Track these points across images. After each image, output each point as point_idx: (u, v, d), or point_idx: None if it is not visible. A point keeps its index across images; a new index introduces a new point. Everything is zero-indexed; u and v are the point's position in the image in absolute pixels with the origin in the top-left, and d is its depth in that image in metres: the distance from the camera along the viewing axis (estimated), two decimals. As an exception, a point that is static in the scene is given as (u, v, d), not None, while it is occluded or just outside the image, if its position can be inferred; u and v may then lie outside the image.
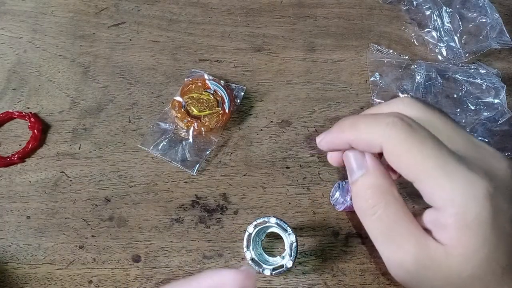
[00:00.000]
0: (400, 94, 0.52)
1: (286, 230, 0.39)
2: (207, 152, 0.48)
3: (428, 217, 0.23)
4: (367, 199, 0.23)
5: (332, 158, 0.28)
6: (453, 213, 0.21)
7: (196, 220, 0.44)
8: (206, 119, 0.49)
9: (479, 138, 0.50)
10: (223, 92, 0.50)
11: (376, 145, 0.23)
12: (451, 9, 0.58)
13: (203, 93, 0.51)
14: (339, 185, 0.44)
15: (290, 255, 0.39)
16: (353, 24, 0.60)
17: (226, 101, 0.50)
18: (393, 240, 0.22)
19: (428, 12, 0.59)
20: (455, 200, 0.21)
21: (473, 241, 0.20)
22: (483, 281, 0.20)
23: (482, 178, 0.20)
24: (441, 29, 0.58)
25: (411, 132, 0.21)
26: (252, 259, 0.40)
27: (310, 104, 0.52)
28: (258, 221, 0.40)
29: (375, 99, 0.52)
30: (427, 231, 0.23)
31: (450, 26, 0.57)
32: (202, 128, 0.48)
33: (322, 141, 0.28)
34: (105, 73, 0.54)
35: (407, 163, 0.22)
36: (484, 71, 0.54)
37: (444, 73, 0.55)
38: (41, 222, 0.44)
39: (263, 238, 0.42)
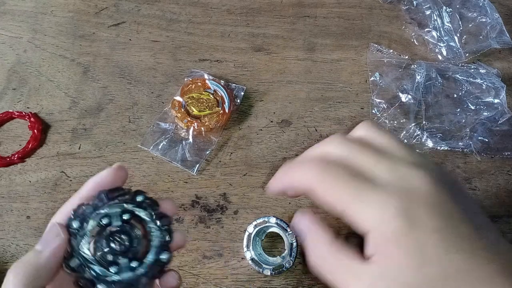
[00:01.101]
0: (400, 94, 0.52)
1: (286, 230, 0.39)
2: (207, 152, 0.48)
3: (366, 246, 0.25)
4: (310, 257, 0.26)
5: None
6: (375, 235, 0.23)
7: (196, 220, 0.44)
8: (206, 119, 0.49)
9: (479, 138, 0.50)
10: (223, 92, 0.50)
11: (302, 190, 0.26)
12: (451, 9, 0.58)
13: (203, 93, 0.51)
14: None
15: (290, 255, 0.39)
16: (353, 24, 0.60)
17: (226, 101, 0.50)
18: (336, 280, 0.24)
19: (428, 12, 0.59)
20: (372, 223, 0.23)
21: (397, 255, 0.22)
22: None
23: (395, 198, 0.23)
24: (441, 29, 0.58)
25: (329, 174, 0.25)
26: (252, 259, 0.40)
27: (310, 104, 0.52)
28: (258, 221, 0.40)
29: (375, 99, 0.52)
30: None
31: (450, 26, 0.57)
32: (202, 128, 0.48)
33: (270, 186, 0.31)
34: (105, 73, 0.54)
35: (327, 202, 0.25)
36: (484, 71, 0.54)
37: (444, 73, 0.55)
38: (41, 222, 0.44)
39: (263, 238, 0.42)
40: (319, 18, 0.60)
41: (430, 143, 0.49)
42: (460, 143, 0.49)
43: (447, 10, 0.58)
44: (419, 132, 0.49)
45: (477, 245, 0.22)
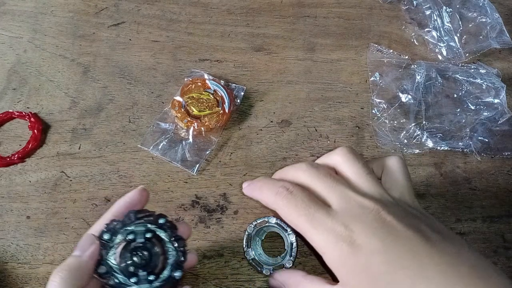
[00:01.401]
0: (400, 94, 0.52)
1: (286, 230, 0.39)
2: (207, 152, 0.48)
3: None
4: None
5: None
6: (327, 259, 0.27)
7: (196, 220, 0.44)
8: (206, 119, 0.49)
9: (479, 138, 0.50)
10: (223, 92, 0.50)
11: (272, 208, 0.31)
12: (451, 9, 0.58)
13: (203, 93, 0.51)
14: None
15: (290, 255, 0.39)
16: (353, 24, 0.60)
17: (226, 101, 0.50)
18: None
19: (428, 12, 0.59)
20: (323, 248, 0.27)
21: (345, 277, 0.26)
22: None
23: (341, 225, 0.26)
24: (441, 29, 0.58)
25: (290, 199, 0.29)
26: (252, 259, 0.40)
27: (310, 104, 0.52)
28: (258, 221, 0.40)
29: (375, 99, 0.52)
30: None
31: (450, 26, 0.57)
32: (202, 128, 0.48)
33: (245, 190, 0.35)
34: (105, 73, 0.54)
35: (289, 223, 0.29)
36: (484, 71, 0.54)
37: (444, 73, 0.55)
38: (41, 222, 0.44)
39: (263, 238, 0.42)
40: (319, 18, 0.60)
41: (430, 143, 0.49)
42: (460, 143, 0.49)
43: (447, 10, 0.58)
44: (419, 132, 0.49)
45: (425, 261, 0.24)
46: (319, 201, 0.28)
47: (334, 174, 0.30)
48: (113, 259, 0.27)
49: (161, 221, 0.29)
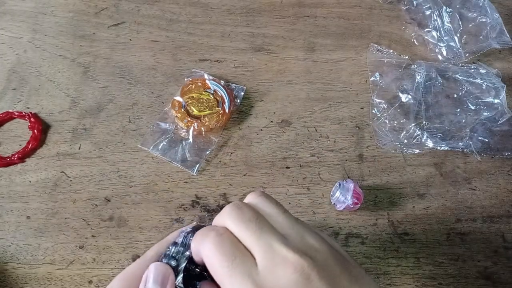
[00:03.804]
0: (400, 94, 0.52)
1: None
2: (207, 152, 0.48)
3: None
4: None
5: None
6: None
7: (196, 220, 0.44)
8: (206, 119, 0.49)
9: (479, 138, 0.50)
10: (223, 92, 0.50)
11: (200, 256, 0.27)
12: (451, 9, 0.58)
13: (203, 93, 0.51)
14: (339, 184, 0.44)
15: None
16: (353, 24, 0.60)
17: (226, 101, 0.50)
18: None
19: (428, 12, 0.59)
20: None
21: None
22: None
23: (299, 256, 0.25)
24: (441, 29, 0.58)
25: (217, 243, 0.26)
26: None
27: (310, 104, 0.52)
28: None
29: (375, 99, 0.52)
30: None
31: (450, 26, 0.57)
32: (202, 128, 0.48)
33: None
34: (105, 73, 0.54)
35: (211, 269, 0.26)
36: (484, 71, 0.54)
37: (444, 73, 0.55)
38: (41, 222, 0.44)
39: None
40: (319, 18, 0.60)
41: (430, 143, 0.49)
42: (460, 143, 0.49)
43: (447, 10, 0.58)
44: (419, 132, 0.49)
45: None
46: (245, 250, 0.26)
47: (259, 215, 0.28)
48: (181, 283, 0.26)
49: None
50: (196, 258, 0.27)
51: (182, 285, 0.26)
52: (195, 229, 0.28)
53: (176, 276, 0.26)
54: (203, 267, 0.27)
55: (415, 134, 0.50)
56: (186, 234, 0.28)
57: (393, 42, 0.58)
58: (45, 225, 0.44)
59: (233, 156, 0.48)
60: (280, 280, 0.24)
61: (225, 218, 0.28)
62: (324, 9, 0.61)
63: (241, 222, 0.27)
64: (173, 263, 0.27)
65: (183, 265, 0.27)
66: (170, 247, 0.27)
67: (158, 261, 0.27)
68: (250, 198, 0.29)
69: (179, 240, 0.27)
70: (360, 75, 0.55)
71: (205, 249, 0.26)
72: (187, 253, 0.27)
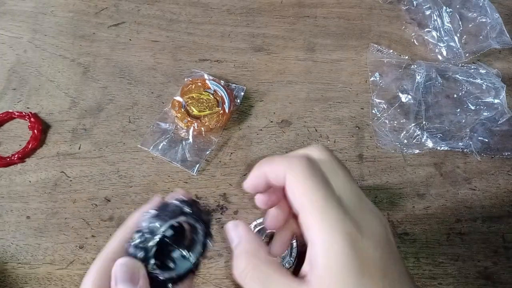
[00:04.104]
0: (400, 94, 0.52)
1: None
2: (207, 152, 0.48)
3: (306, 259, 0.25)
4: (239, 264, 0.26)
5: (260, 200, 0.30)
6: (319, 252, 0.23)
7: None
8: (206, 119, 0.49)
9: (479, 138, 0.50)
10: (223, 92, 0.50)
11: (281, 176, 0.26)
12: (451, 9, 0.58)
13: (203, 93, 0.51)
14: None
15: (290, 256, 0.39)
16: (353, 24, 0.60)
17: (226, 101, 0.50)
18: None
19: (428, 12, 0.59)
20: (323, 238, 0.23)
21: (335, 282, 0.22)
22: None
23: (352, 225, 0.23)
24: (441, 29, 0.58)
25: (310, 169, 0.24)
26: (252, 259, 0.40)
27: (310, 104, 0.52)
28: (258, 221, 0.40)
29: (375, 99, 0.52)
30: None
31: (450, 26, 0.57)
32: (202, 128, 0.48)
33: (247, 183, 0.30)
34: (105, 73, 0.54)
35: (297, 193, 0.24)
36: (484, 71, 0.54)
37: (444, 73, 0.54)
38: (41, 222, 0.44)
39: (263, 238, 0.42)
40: (319, 18, 0.60)
41: (430, 143, 0.49)
42: (460, 143, 0.49)
43: (447, 10, 0.58)
44: (419, 132, 0.49)
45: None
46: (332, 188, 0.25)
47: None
48: (153, 266, 0.25)
49: (186, 209, 0.27)
50: (274, 180, 0.26)
51: (155, 268, 0.25)
52: (160, 209, 0.26)
53: (147, 264, 0.25)
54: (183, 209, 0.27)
55: (415, 134, 0.50)
56: (150, 218, 0.26)
57: (393, 42, 0.58)
58: (45, 225, 0.44)
59: (233, 156, 0.48)
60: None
61: (319, 153, 0.26)
62: (324, 9, 0.61)
63: (336, 165, 0.26)
64: (141, 254, 0.25)
65: (153, 250, 0.25)
66: (135, 235, 0.25)
67: (124, 252, 0.25)
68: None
69: (144, 225, 0.26)
70: (360, 75, 0.55)
71: (297, 173, 0.24)
72: (156, 238, 0.25)
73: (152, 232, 0.25)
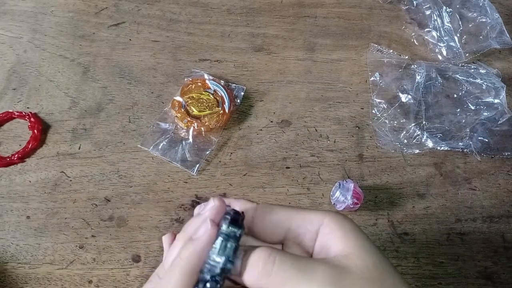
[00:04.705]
0: (400, 94, 0.52)
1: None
2: (207, 152, 0.48)
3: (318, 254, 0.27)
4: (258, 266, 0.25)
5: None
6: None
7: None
8: (206, 119, 0.49)
9: (479, 138, 0.50)
10: (223, 92, 0.50)
11: (316, 222, 0.27)
12: (451, 9, 0.58)
13: (203, 93, 0.51)
14: (339, 184, 0.44)
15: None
16: (353, 24, 0.60)
17: (226, 101, 0.50)
18: (302, 277, 0.24)
19: (428, 12, 0.59)
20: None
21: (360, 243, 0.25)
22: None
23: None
24: (441, 29, 0.58)
25: (345, 219, 0.27)
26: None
27: (310, 104, 0.52)
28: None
29: (375, 99, 0.52)
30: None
31: (450, 26, 0.57)
32: (202, 128, 0.48)
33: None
34: (105, 73, 0.54)
35: (339, 236, 0.26)
36: (484, 71, 0.54)
37: (444, 73, 0.55)
38: (41, 222, 0.44)
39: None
40: (319, 18, 0.60)
41: (430, 143, 0.49)
42: (460, 143, 0.49)
43: (447, 10, 0.58)
44: (419, 132, 0.49)
45: None
46: None
47: None
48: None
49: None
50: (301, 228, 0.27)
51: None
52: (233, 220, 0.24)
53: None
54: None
55: (415, 134, 0.50)
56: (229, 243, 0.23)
57: (393, 42, 0.58)
58: (45, 225, 0.44)
59: (233, 156, 0.48)
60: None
61: None
62: (324, 9, 0.61)
63: None
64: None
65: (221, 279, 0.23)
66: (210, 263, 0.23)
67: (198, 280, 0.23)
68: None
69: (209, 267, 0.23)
70: (360, 75, 0.55)
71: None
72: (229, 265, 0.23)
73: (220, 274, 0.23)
